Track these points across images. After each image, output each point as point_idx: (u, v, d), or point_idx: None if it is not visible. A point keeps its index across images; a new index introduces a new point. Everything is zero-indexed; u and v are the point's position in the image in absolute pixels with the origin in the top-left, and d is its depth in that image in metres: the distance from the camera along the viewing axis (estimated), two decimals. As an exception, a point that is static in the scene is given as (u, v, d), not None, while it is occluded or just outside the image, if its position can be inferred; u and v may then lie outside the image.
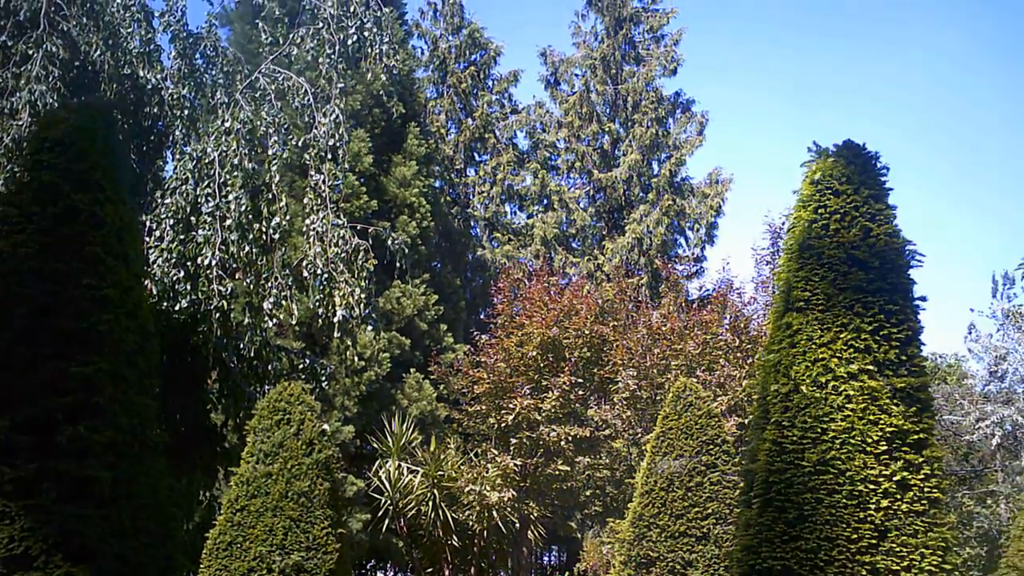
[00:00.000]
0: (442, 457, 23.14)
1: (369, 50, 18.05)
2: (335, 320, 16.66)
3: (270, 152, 16.66)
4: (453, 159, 39.91)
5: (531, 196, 40.33)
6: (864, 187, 9.81)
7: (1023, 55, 73.40)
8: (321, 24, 17.58)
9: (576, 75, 41.45)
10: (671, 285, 27.77)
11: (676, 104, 40.57)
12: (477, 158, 41.59)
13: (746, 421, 18.66)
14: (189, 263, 16.15)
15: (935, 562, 8.64)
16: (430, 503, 22.61)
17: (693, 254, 39.07)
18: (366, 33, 17.89)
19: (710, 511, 14.06)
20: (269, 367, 17.65)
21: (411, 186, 29.63)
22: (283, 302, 17.01)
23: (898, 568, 8.56)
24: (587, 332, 23.89)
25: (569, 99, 40.69)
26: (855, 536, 8.63)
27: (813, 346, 9.29)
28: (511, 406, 23.09)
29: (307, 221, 17.06)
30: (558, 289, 25.71)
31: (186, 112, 17.36)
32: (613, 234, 38.95)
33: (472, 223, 39.78)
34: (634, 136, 39.33)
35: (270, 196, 16.72)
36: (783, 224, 23.69)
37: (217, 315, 16.03)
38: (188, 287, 16.10)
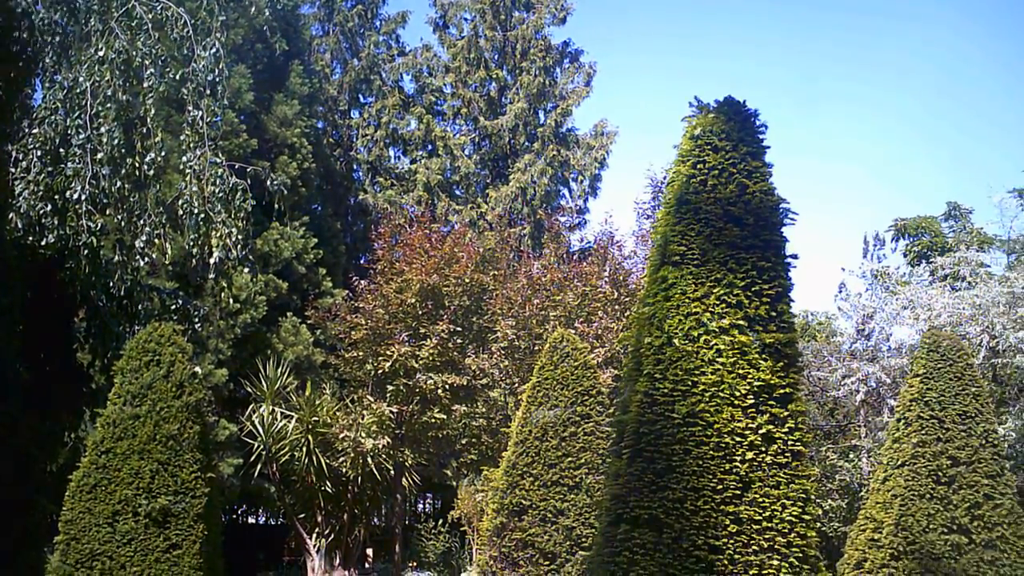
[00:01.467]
0: (317, 403, 22.93)
1: (252, -18, 17.54)
2: (210, 261, 16.29)
3: (146, 84, 16.07)
4: (337, 100, 39.21)
5: (416, 141, 39.93)
6: (742, 144, 9.94)
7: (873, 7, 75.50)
8: (202, -48, 16.96)
9: (465, 19, 41.00)
10: (553, 236, 27.93)
11: (564, 54, 40.58)
12: (362, 100, 40.98)
13: (621, 373, 18.94)
14: (57, 197, 15.58)
15: (795, 512, 8.91)
16: (304, 449, 22.42)
17: (576, 206, 39.35)
18: (249, -36, 17.38)
19: (583, 461, 14.27)
20: (140, 307, 17.22)
21: (293, 126, 29.07)
22: (156, 240, 16.56)
23: (760, 518, 8.81)
24: (467, 280, 23.87)
25: (457, 43, 40.27)
26: (720, 487, 8.84)
27: (687, 300, 9.42)
28: (389, 353, 22.98)
29: (183, 158, 16.58)
30: (439, 236, 25.57)
31: (57, 39, 16.58)
32: (497, 183, 38.91)
33: (355, 166, 39.27)
34: (522, 84, 39.21)
35: (144, 130, 16.19)
36: (664, 178, 23.98)
37: (86, 252, 15.54)
38: (55, 222, 15.56)
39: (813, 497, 9.26)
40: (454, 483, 26.82)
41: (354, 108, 40.72)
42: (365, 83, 40.25)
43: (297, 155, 28.93)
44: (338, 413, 23.00)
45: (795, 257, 9.89)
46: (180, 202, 16.31)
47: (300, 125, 29.32)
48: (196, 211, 16.11)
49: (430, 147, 39.82)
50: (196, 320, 18.37)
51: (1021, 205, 26.02)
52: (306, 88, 30.54)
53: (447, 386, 22.94)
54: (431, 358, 22.97)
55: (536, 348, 21.68)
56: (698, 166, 9.89)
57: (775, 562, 8.73)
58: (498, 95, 40.35)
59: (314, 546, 23.12)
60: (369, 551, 28.51)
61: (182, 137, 16.64)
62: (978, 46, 73.96)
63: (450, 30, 41.17)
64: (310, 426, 22.39)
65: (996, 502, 13.69)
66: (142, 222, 16.34)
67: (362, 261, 32.27)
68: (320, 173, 32.03)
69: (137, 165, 16.05)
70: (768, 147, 10.14)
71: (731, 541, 8.73)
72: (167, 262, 18.38)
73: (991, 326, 19.72)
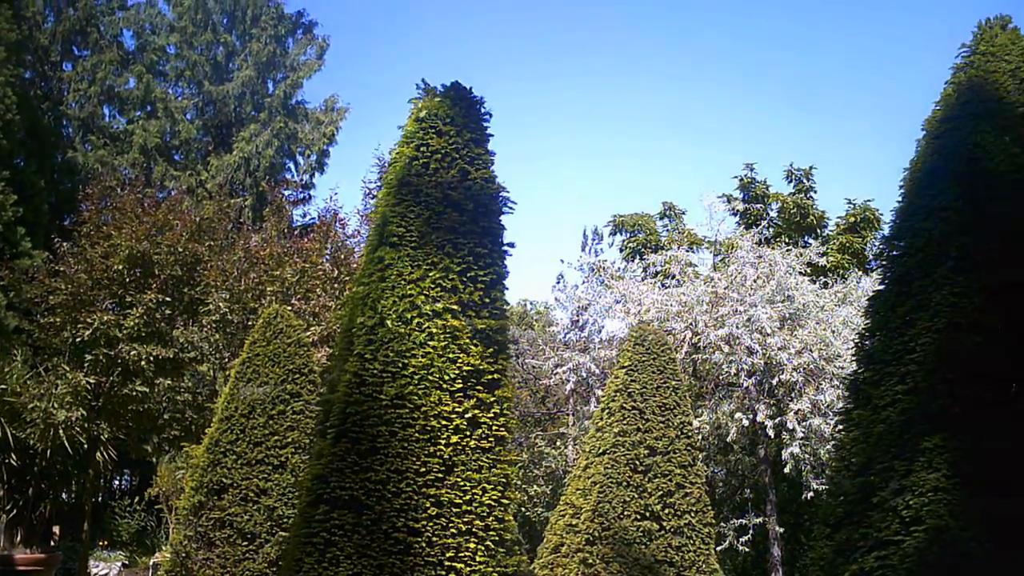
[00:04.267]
0: (7, 370, 21.27)
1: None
2: None
3: None
4: (48, 50, 36.59)
5: (134, 101, 37.88)
6: (467, 130, 9.97)
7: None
8: None
9: (194, -23, 39.31)
10: (275, 209, 27.21)
11: (297, 24, 39.75)
12: (76, 53, 38.41)
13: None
14: None
15: (495, 496, 9.03)
16: (-12, 418, 20.78)
17: (302, 180, 38.70)
18: None
19: (290, 440, 13.95)
20: None
21: (-4, 73, 26.87)
22: None
23: (460, 501, 8.86)
24: (181, 249, 22.80)
25: (184, 2, 38.57)
26: (424, 469, 8.83)
27: (403, 282, 9.35)
28: (90, 320, 21.62)
29: None
30: (153, 202, 24.32)
31: None
32: (220, 151, 37.62)
33: (65, 122, 36.79)
34: (251, 51, 38.10)
35: None
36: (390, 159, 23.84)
37: None
38: None
39: (514, 482, 9.42)
40: (154, 460, 25.67)
41: (67, 61, 38.15)
42: (80, 35, 37.75)
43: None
44: (29, 381, 21.43)
45: (512, 245, 10.02)
46: None
47: (5, 74, 27.14)
48: None
49: (149, 108, 37.93)
50: None
51: (728, 209, 27.70)
52: (14, 35, 28.29)
53: (152, 358, 21.83)
54: (136, 328, 21.79)
55: (250, 323, 21.03)
56: (421, 148, 9.84)
57: (472, 545, 8.81)
58: (225, 60, 39.01)
59: (-7, 522, 21.48)
60: (56, 529, 26.86)
61: None
62: (698, 48, 78.44)
63: (178, -12, 39.36)
64: (-4, 395, 20.76)
65: (686, 491, 14.50)
66: None
67: (67, 223, 30.28)
68: (25, 126, 29.76)
69: None
70: (492, 135, 10.23)
71: (431, 524, 8.73)
72: None
73: (695, 323, 20.81)
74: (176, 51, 38.95)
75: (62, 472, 23.17)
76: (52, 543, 26.38)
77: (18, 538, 21.52)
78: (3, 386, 20.80)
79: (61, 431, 20.88)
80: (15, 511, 21.75)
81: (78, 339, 21.72)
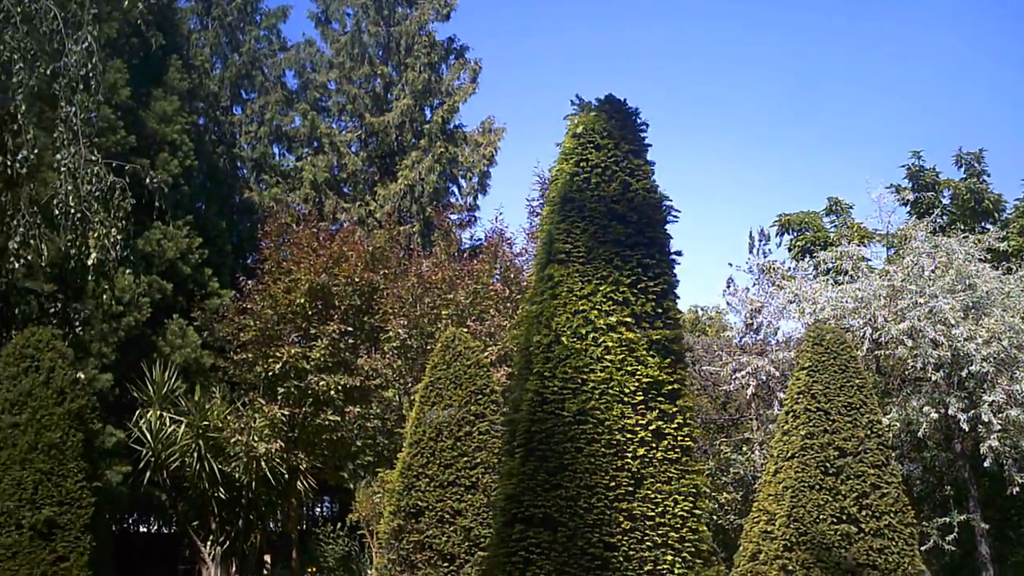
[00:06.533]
0: (207, 406, 22.44)
1: (125, -28, 17.06)
2: (89, 262, 15.83)
3: (15, 80, 15.49)
4: (218, 96, 38.35)
5: (301, 138, 39.37)
6: (624, 142, 10.02)
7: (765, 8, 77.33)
8: (72, -59, 16.41)
9: (348, 14, 40.50)
10: (443, 234, 27.79)
11: (450, 50, 40.43)
12: (244, 96, 40.22)
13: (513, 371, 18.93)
14: (-78, 197, 14.95)
15: (687, 507, 9.02)
16: (195, 454, 21.93)
17: (466, 203, 39.26)
18: (120, -44, 16.88)
19: (479, 460, 14.21)
20: (16, 311, 16.68)
21: (173, 122, 28.33)
22: (31, 242, 16.03)
23: (653, 514, 8.88)
24: (357, 279, 23.60)
25: (341, 39, 39.80)
26: (613, 483, 8.88)
27: (574, 298, 9.45)
28: (279, 354, 22.59)
29: (58, 156, 16.04)
30: (328, 235, 25.28)
31: (-80, 32, 15.89)
32: (385, 180, 38.60)
33: (239, 164, 38.47)
34: (407, 80, 38.96)
35: (15, 127, 15.66)
36: (551, 176, 24.01)
37: (-43, 254, 14.94)
38: (-78, 223, 14.92)
39: (704, 492, 9.37)
40: (351, 486, 26.53)
41: (236, 104, 39.95)
42: (247, 79, 39.52)
43: (178, 152, 28.21)
44: (229, 417, 22.55)
45: (679, 254, 10.02)
46: (55, 202, 15.79)
47: (180, 121, 28.60)
48: (72, 211, 15.62)
49: (315, 144, 39.28)
50: (77, 323, 17.86)
51: (898, 200, 26.72)
52: (185, 84, 29.82)
53: (340, 387, 22.65)
54: (322, 359, 22.67)
55: (428, 347, 21.53)
56: (581, 164, 9.93)
57: (669, 557, 8.82)
58: (384, 91, 40.03)
59: (209, 554, 22.65)
60: (267, 557, 28.02)
61: (56, 134, 16.09)
62: (850, 43, 76.24)
63: (333, 25, 40.68)
64: (200, 431, 21.91)
65: (882, 491, 14.03)
66: (15, 222, 15.80)
67: (249, 261, 31.65)
68: (203, 171, 31.32)
69: (8, 163, 15.53)
70: (650, 145, 10.26)
71: (625, 538, 8.78)
72: (44, 264, 17.75)
73: (873, 319, 20.19)
74: (336, 86, 40.23)
75: (267, 502, 24.21)
76: (265, 572, 27.55)
77: (233, 568, 22.61)
78: (206, 423, 21.93)
79: (263, 463, 21.87)
80: (228, 543, 22.85)
81: (270, 373, 22.70)
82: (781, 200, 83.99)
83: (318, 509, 39.15)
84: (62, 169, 15.81)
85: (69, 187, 15.63)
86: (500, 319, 21.93)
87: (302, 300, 22.90)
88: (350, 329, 23.44)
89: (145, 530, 38.54)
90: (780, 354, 22.33)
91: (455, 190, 39.67)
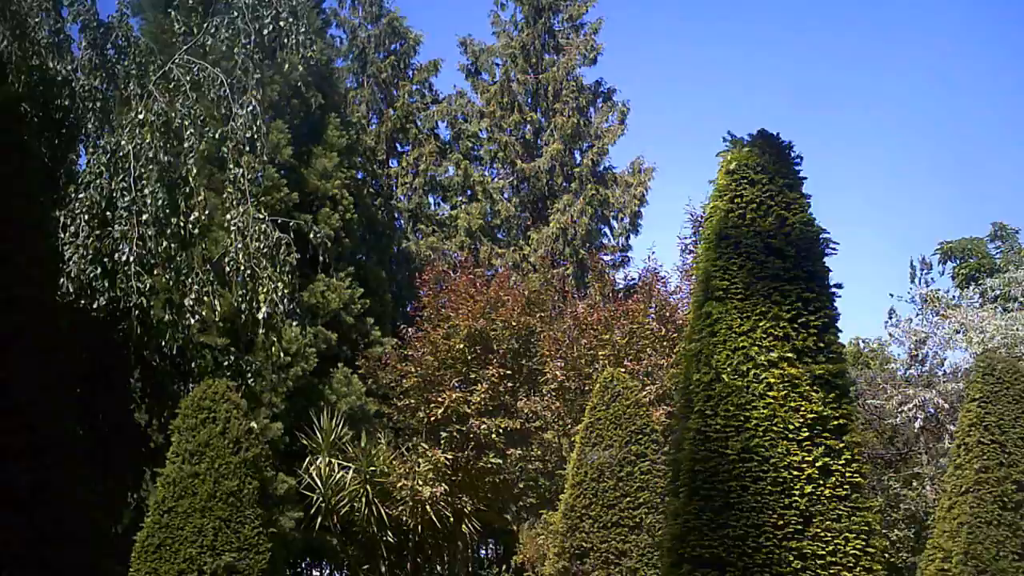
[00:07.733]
0: (373, 452, 22.95)
1: (285, 40, 17.85)
2: (259, 316, 16.47)
3: (186, 145, 16.37)
4: (375, 150, 39.50)
5: (454, 187, 40.16)
6: (779, 176, 9.91)
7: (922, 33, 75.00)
8: (236, 13, 17.31)
9: (496, 64, 41.26)
10: (597, 275, 27.88)
11: (597, 93, 40.68)
12: (399, 149, 41.30)
13: (674, 410, 18.78)
14: (106, 259, 15.84)
15: (859, 545, 8.77)
16: (363, 499, 22.42)
17: (618, 244, 39.26)
18: (282, 23, 17.68)
19: (641, 500, 14.13)
20: (193, 364, 17.41)
21: (333, 178, 29.28)
22: (204, 298, 16.76)
23: (823, 552, 8.68)
24: (514, 323, 23.86)
25: (490, 89, 40.54)
26: (781, 522, 8.73)
27: (733, 335, 9.36)
28: (440, 399, 22.99)
29: (227, 215, 16.82)
30: (484, 281, 25.63)
31: (98, 104, 16.97)
32: (538, 224, 38.95)
33: (396, 215, 39.45)
34: (556, 125, 39.33)
35: (187, 190, 16.45)
36: (704, 213, 23.86)
37: (137, 312, 15.76)
38: (105, 284, 15.80)
39: (877, 529, 9.10)
40: (514, 528, 26.67)
41: (392, 157, 41.06)
42: (401, 132, 40.60)
43: (338, 206, 29.11)
44: (394, 462, 23.00)
45: (839, 287, 9.83)
46: (226, 259, 16.53)
47: (340, 177, 29.52)
48: (242, 267, 16.32)
49: (469, 192, 40.01)
50: (249, 375, 18.55)
51: (1067, 223, 25.54)
52: (344, 140, 30.81)
53: (500, 430, 22.88)
54: (483, 403, 22.96)
55: (587, 388, 21.57)
56: (735, 200, 9.87)
57: (842, 597, 8.59)
58: (533, 137, 40.50)
59: (379, 597, 23.03)
60: (437, 600, 28.32)
61: (225, 195, 16.89)
62: (1006, 67, 73.26)
63: (482, 76, 41.47)
64: (367, 476, 22.42)
65: (1067, 527, 13.37)
66: (190, 280, 16.56)
67: (408, 309, 32.27)
68: (362, 223, 32.20)
69: (182, 224, 16.29)
70: (805, 178, 10.13)
71: (796, 577, 8.59)
72: (217, 319, 18.57)
73: (1048, 346, 19.36)
74: (487, 135, 40.93)
75: (433, 545, 24.51)
76: (435, 613, 27.85)
77: (405, 611, 22.96)
78: (372, 468, 22.42)
79: (428, 506, 22.20)
80: (397, 586, 23.21)
81: (432, 418, 23.11)
82: (942, 227, 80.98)
83: (483, 551, 39.38)
84: (231, 228, 16.56)
85: (239, 245, 16.35)
86: (657, 358, 21.82)
87: (461, 345, 23.28)
88: (509, 372, 23.69)
89: (317, 574, 39.52)
90: (948, 385, 21.59)
91: (607, 231, 39.73)
